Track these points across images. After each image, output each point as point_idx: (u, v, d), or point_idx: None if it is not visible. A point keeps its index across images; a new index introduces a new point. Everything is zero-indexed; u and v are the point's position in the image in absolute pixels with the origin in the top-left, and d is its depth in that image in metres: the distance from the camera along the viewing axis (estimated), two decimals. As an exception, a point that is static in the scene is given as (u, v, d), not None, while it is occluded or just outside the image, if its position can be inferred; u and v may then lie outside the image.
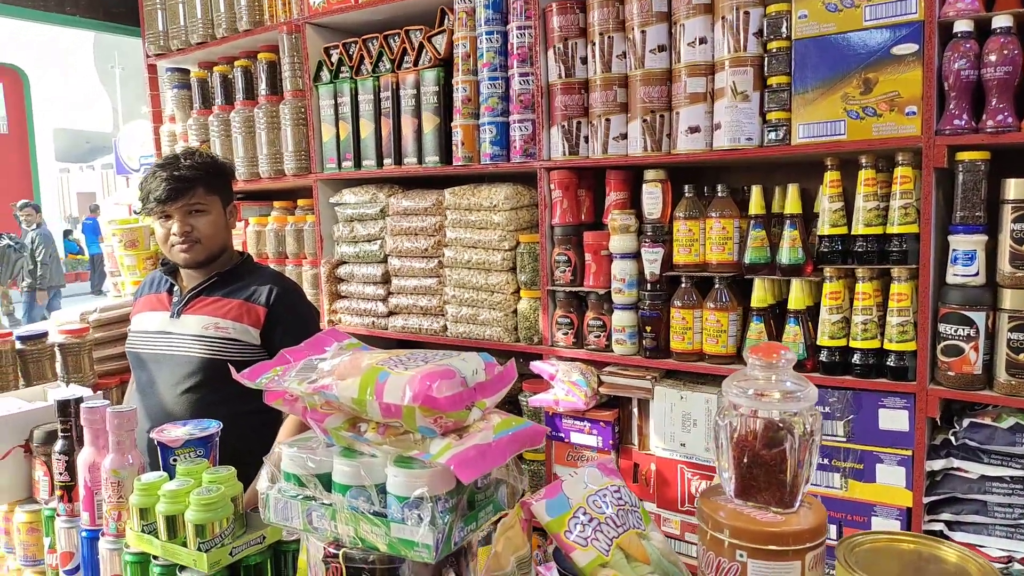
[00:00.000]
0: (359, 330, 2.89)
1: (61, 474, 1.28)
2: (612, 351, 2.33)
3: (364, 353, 1.02)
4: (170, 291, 2.09)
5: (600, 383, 2.31)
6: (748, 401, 0.97)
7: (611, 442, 2.31)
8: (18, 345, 2.52)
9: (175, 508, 1.13)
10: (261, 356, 1.96)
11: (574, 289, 2.37)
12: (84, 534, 1.26)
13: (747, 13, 1.99)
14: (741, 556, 0.93)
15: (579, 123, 2.32)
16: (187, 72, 3.52)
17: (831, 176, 1.96)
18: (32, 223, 10.10)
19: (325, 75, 2.90)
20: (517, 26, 2.36)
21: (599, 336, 2.34)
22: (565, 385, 2.28)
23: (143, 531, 1.15)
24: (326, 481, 0.95)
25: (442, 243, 2.65)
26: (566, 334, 2.40)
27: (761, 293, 2.08)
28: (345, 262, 2.93)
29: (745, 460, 0.98)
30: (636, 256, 2.26)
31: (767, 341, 2.06)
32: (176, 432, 1.32)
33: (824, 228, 1.97)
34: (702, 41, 2.08)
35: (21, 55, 17.04)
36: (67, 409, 1.29)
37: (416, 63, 2.63)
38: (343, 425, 0.97)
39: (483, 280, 2.53)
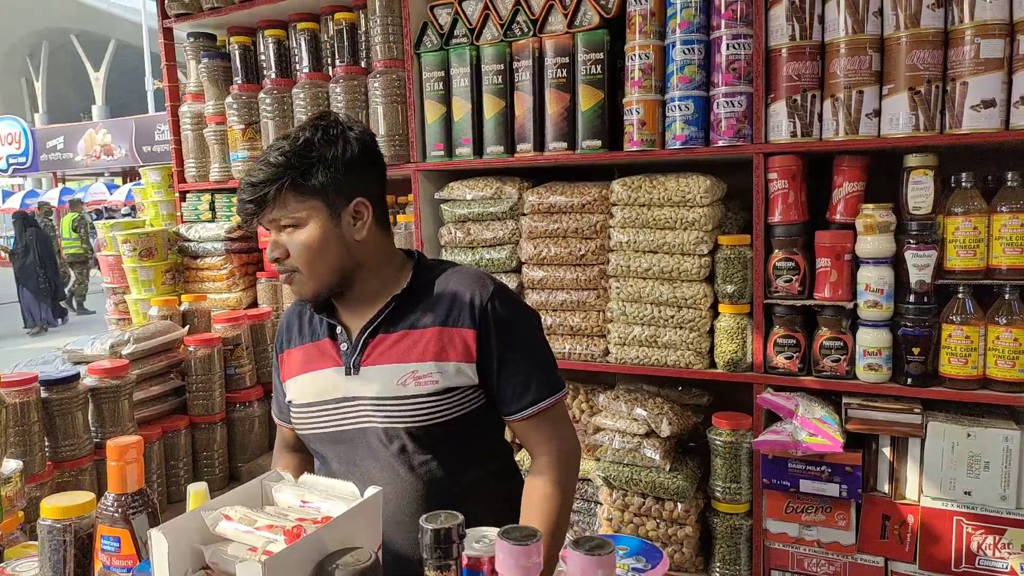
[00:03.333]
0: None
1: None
2: (856, 378, 1.90)
3: None
4: (333, 334, 1.39)
5: (847, 419, 1.87)
6: None
7: (858, 490, 1.88)
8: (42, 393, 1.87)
9: None
10: (482, 399, 1.36)
11: (804, 302, 1.92)
12: None
13: (1076, -42, 1.61)
14: None
15: (813, 97, 1.88)
16: (213, 38, 2.85)
17: None
18: None
19: (432, 40, 2.33)
20: (731, -24, 1.90)
21: (838, 360, 1.90)
22: (812, 423, 1.83)
23: None
24: None
25: (606, 247, 2.14)
26: (790, 358, 1.95)
27: (1073, 305, 1.70)
28: (456, 272, 2.36)
29: None
30: (890, 261, 1.84)
31: (1084, 363, 1.68)
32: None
33: None
34: (1000, -6, 1.68)
35: None
36: (449, 539, 0.74)
37: (572, 24, 2.12)
38: None
39: (668, 293, 2.05)
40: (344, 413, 1.35)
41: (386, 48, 2.37)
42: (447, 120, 2.32)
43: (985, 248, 1.76)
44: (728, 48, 1.92)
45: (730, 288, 1.99)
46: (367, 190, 1.32)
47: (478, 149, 2.29)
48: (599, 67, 2.09)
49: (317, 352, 1.41)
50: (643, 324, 2.10)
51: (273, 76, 2.60)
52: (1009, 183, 1.76)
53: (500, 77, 2.23)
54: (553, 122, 2.17)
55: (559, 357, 2.17)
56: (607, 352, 2.18)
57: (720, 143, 1.96)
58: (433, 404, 1.29)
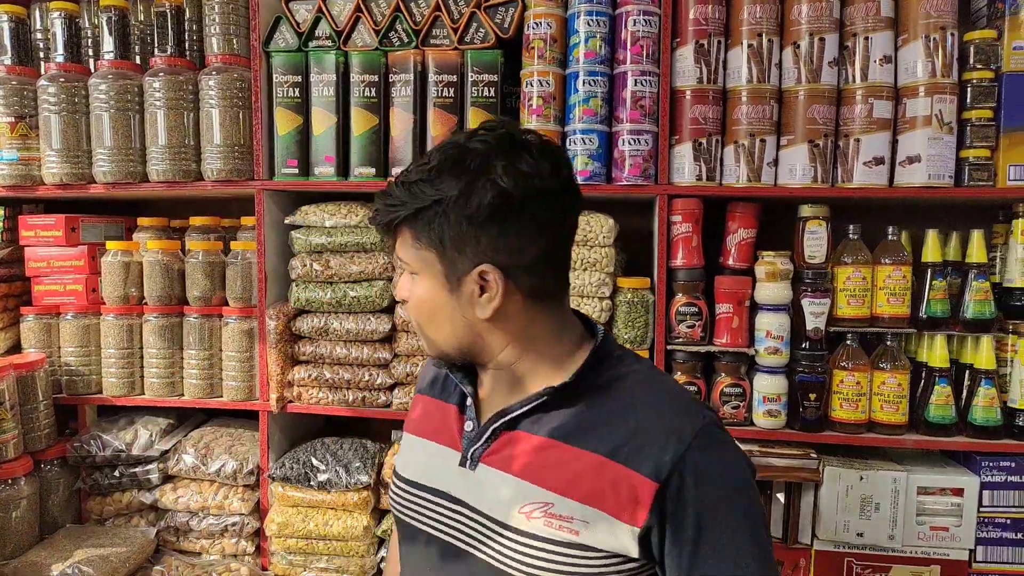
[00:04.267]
0: (337, 409, 1.99)
1: None
2: (753, 424, 1.89)
3: None
4: (463, 405, 1.06)
5: (748, 467, 1.84)
6: None
7: (756, 539, 1.85)
8: None
9: None
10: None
11: (707, 348, 1.88)
12: None
13: (953, 35, 1.75)
14: None
15: (717, 141, 1.85)
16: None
17: (1025, 224, 1.80)
18: None
19: (287, 38, 1.98)
20: (641, 11, 1.82)
21: (738, 407, 1.87)
22: (723, 475, 1.77)
23: None
24: None
25: (496, 288, 1.94)
26: (690, 406, 1.88)
27: (943, 352, 1.83)
28: (310, 311, 2.01)
29: None
30: (788, 308, 1.86)
31: (953, 406, 1.82)
32: None
33: (1019, 280, 1.80)
34: (887, 60, 1.79)
35: None
36: None
37: (462, 40, 1.91)
38: None
39: (566, 338, 1.89)
40: (449, 519, 1.01)
41: (226, 41, 1.97)
42: (304, 133, 1.97)
43: (871, 297, 1.85)
44: (636, 84, 1.83)
45: (630, 333, 1.89)
46: (506, 255, 0.93)
47: (343, 169, 1.97)
48: (492, 90, 1.90)
49: (440, 417, 1.09)
50: (537, 372, 1.92)
51: (60, 59, 2.04)
52: (889, 236, 1.86)
53: (373, 90, 1.94)
54: (435, 144, 1.92)
55: (439, 410, 1.92)
56: (494, 403, 1.96)
57: (624, 181, 1.86)
58: (562, 559, 0.91)
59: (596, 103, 1.86)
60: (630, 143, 1.85)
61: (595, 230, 1.87)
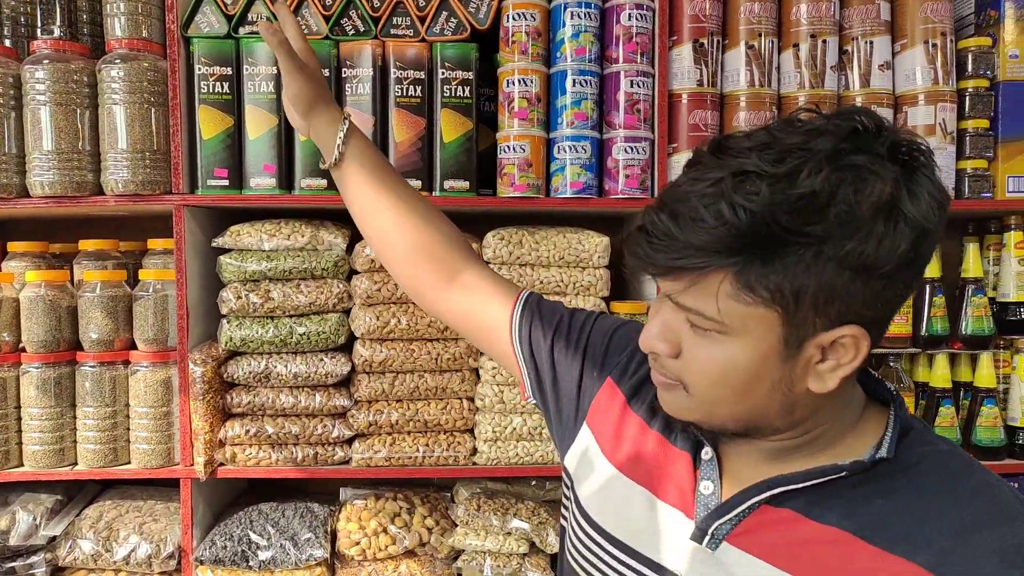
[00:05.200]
0: (283, 471, 1.65)
1: None
2: (761, 460, 1.73)
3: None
4: (697, 457, 0.79)
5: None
6: None
7: None
8: None
9: None
10: None
11: (713, 379, 1.70)
12: None
13: (952, 41, 1.69)
14: None
15: (717, 151, 1.69)
16: None
17: (1019, 236, 1.76)
18: None
19: (211, 21, 1.62)
20: (635, 4, 1.63)
21: (745, 441, 1.71)
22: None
23: None
24: None
25: (475, 317, 1.67)
26: (696, 443, 1.70)
27: (945, 371, 1.76)
28: (246, 352, 1.65)
29: None
30: (793, 331, 1.72)
31: (958, 427, 1.75)
32: None
33: (1014, 294, 1.76)
34: (887, 66, 1.70)
35: None
36: None
37: (429, 30, 1.64)
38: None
39: (558, 373, 1.65)
40: None
41: (132, 23, 1.59)
42: (236, 137, 1.63)
43: (873, 316, 1.75)
44: (631, 86, 1.64)
45: (631, 365, 1.68)
46: (875, 309, 0.67)
47: (286, 181, 1.64)
48: (466, 90, 1.64)
49: (661, 460, 0.82)
50: (525, 413, 1.66)
51: (-100, 38, 1.58)
52: (889, 252, 1.77)
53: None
54: (402, 153, 1.64)
55: (409, 463, 1.64)
56: (475, 451, 1.69)
57: (619, 194, 1.66)
58: None
59: (588, 106, 1.64)
60: (626, 151, 1.65)
61: (588, 249, 1.65)
